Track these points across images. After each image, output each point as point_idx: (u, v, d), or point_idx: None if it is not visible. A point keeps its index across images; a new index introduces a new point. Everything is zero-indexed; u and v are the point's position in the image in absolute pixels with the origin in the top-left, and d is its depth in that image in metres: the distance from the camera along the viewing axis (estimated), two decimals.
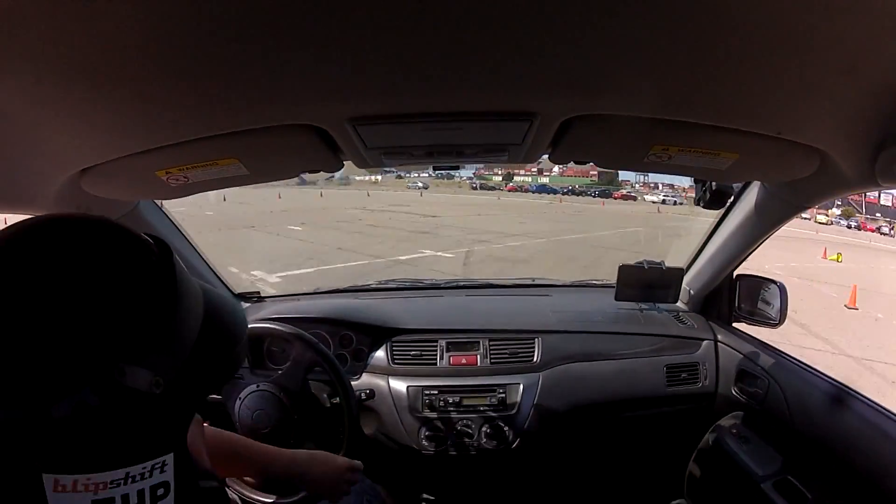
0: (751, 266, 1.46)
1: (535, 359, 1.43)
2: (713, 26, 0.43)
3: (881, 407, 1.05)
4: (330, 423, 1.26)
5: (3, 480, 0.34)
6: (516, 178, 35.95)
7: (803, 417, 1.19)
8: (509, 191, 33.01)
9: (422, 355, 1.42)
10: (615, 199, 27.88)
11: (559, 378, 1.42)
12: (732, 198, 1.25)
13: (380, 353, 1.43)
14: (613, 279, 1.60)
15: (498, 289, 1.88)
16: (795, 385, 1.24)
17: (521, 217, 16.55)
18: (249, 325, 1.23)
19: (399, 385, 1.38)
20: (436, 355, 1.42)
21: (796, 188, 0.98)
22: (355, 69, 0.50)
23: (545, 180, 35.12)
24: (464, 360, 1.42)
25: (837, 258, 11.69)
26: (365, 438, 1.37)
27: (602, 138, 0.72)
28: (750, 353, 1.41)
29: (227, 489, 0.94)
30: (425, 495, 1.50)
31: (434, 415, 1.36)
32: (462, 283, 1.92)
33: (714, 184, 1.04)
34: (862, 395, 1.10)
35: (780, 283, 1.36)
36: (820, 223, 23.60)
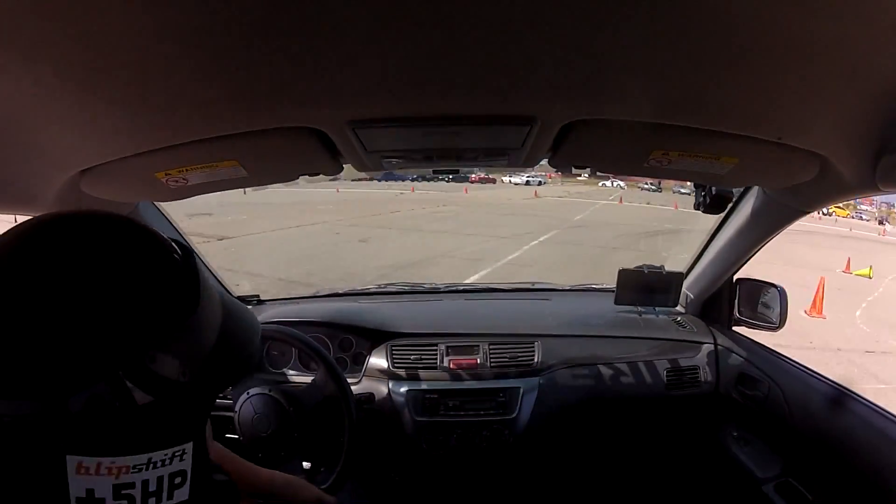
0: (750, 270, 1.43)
1: (534, 362, 1.43)
2: (713, 31, 0.43)
3: (881, 409, 1.05)
4: (330, 428, 1.25)
5: (26, 460, 0.34)
6: None
7: (804, 420, 1.19)
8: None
9: (422, 359, 1.42)
10: (472, 182, 23.69)
11: (559, 381, 1.42)
12: (732, 202, 1.25)
13: (379, 357, 1.43)
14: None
15: (497, 293, 1.88)
16: (796, 387, 1.24)
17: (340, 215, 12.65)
18: (276, 330, 1.23)
19: (399, 389, 1.38)
20: (436, 359, 1.42)
21: (796, 193, 0.98)
22: (355, 73, 0.50)
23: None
24: (464, 364, 1.41)
25: (868, 273, 8.51)
26: (365, 442, 1.36)
27: (602, 143, 0.72)
28: (750, 356, 1.41)
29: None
30: (426, 498, 1.50)
31: (434, 418, 1.36)
32: (461, 288, 1.92)
33: (714, 188, 1.04)
34: (862, 397, 1.10)
35: (780, 287, 1.36)
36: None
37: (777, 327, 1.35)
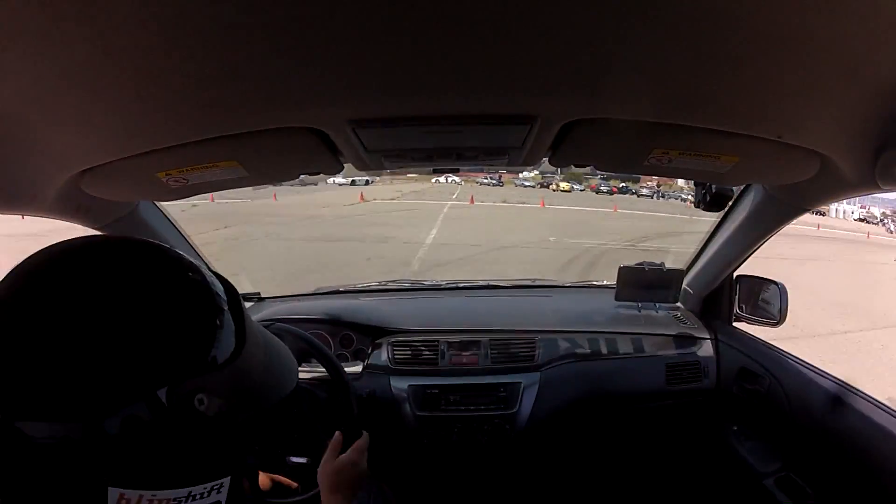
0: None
1: (535, 358, 1.43)
2: (713, 29, 0.43)
3: (881, 404, 1.06)
4: (331, 425, 1.26)
5: (68, 490, 0.34)
6: None
7: (804, 414, 1.20)
8: None
9: (422, 355, 1.43)
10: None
11: (559, 377, 1.42)
12: (732, 200, 1.25)
13: (381, 353, 1.44)
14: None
15: (498, 289, 1.88)
16: (796, 382, 1.25)
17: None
18: (276, 327, 1.23)
19: (400, 384, 1.38)
20: (437, 355, 1.42)
21: (796, 191, 0.98)
22: (355, 72, 0.50)
23: None
24: (464, 360, 1.42)
25: None
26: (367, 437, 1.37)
27: (602, 142, 0.72)
28: (750, 352, 1.41)
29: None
30: (427, 494, 1.51)
31: (435, 413, 1.36)
32: (462, 284, 1.92)
33: (714, 186, 1.04)
34: (862, 392, 1.10)
35: (780, 284, 1.37)
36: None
37: (777, 323, 1.36)
